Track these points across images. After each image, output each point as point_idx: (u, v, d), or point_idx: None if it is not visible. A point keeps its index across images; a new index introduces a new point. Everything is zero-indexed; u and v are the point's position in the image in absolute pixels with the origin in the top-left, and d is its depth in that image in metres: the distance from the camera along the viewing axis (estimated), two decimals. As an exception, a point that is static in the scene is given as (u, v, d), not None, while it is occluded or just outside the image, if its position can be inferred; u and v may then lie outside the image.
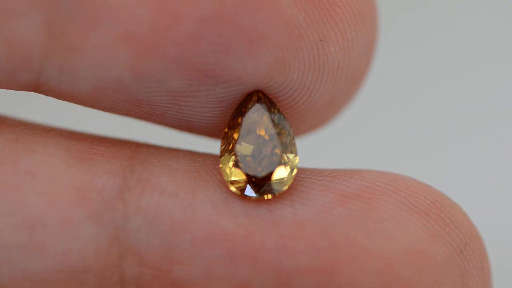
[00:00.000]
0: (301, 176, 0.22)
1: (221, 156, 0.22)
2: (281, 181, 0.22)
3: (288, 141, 0.22)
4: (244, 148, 0.22)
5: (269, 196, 0.22)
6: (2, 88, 0.21)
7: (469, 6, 0.51)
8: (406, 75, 0.50)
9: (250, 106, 0.22)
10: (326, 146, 0.44)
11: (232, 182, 0.22)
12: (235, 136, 0.22)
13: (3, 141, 0.22)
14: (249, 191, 0.22)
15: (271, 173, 0.22)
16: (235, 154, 0.22)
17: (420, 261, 0.21)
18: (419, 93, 0.49)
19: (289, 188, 0.22)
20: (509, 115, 0.48)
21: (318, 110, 0.22)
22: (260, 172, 0.22)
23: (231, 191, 0.22)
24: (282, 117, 0.22)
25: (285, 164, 0.22)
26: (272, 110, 0.22)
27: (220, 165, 0.22)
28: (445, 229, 0.22)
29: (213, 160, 0.23)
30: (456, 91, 0.49)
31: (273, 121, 0.22)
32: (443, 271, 0.21)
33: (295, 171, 0.22)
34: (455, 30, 0.51)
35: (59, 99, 0.21)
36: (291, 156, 0.22)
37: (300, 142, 0.23)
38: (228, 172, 0.22)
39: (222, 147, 0.22)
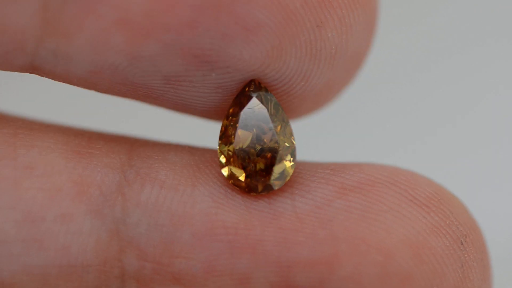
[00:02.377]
0: (301, 169, 0.22)
1: (219, 151, 0.22)
2: (280, 175, 0.22)
3: (285, 133, 0.22)
4: (242, 143, 0.22)
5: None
6: None
7: (470, 1, 0.51)
8: (407, 67, 0.50)
9: (246, 99, 0.21)
10: (325, 140, 0.44)
11: (231, 177, 0.22)
12: (233, 131, 0.22)
13: (2, 136, 0.22)
14: (249, 187, 0.22)
15: (270, 168, 0.22)
16: (233, 149, 0.22)
17: (420, 253, 0.21)
18: (420, 85, 0.49)
19: (289, 181, 0.22)
20: (509, 109, 0.48)
21: (316, 94, 0.22)
22: (259, 167, 0.22)
23: (230, 186, 0.22)
24: (279, 108, 0.22)
25: (283, 157, 0.22)
26: (269, 101, 0.22)
27: (219, 158, 0.22)
28: (445, 221, 0.22)
29: (212, 154, 0.23)
30: (458, 84, 0.49)
31: (270, 114, 0.22)
32: (443, 263, 0.21)
33: (293, 166, 0.22)
34: (456, 20, 0.51)
35: (55, 80, 0.21)
36: (289, 148, 0.22)
37: (300, 136, 0.23)
38: (226, 168, 0.22)
39: (220, 142, 0.22)
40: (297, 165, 0.22)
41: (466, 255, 0.22)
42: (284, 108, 0.22)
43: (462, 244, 0.22)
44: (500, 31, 0.51)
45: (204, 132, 0.26)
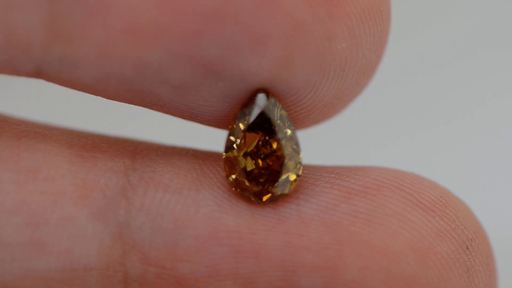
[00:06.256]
0: (306, 173, 0.22)
1: (224, 161, 0.22)
2: (284, 187, 0.21)
3: (292, 145, 0.21)
4: (247, 152, 0.21)
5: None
6: (4, 74, 0.21)
7: (477, 8, 0.51)
8: (413, 71, 0.49)
9: (253, 109, 0.21)
10: (330, 143, 0.44)
11: (236, 186, 0.21)
12: (238, 141, 0.21)
13: (5, 140, 0.22)
14: (253, 198, 0.21)
15: (274, 181, 0.21)
16: (238, 160, 0.21)
17: (426, 257, 0.21)
18: (425, 89, 0.49)
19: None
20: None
21: (324, 105, 0.22)
22: (263, 180, 0.21)
23: (234, 194, 0.22)
24: (287, 119, 0.21)
25: (288, 170, 0.21)
26: (276, 112, 0.21)
27: (224, 167, 0.22)
28: (451, 225, 0.21)
29: (216, 158, 0.23)
30: (464, 89, 0.49)
31: (277, 126, 0.21)
32: (448, 267, 0.21)
33: (299, 175, 0.22)
34: (465, 26, 0.51)
35: (61, 85, 0.21)
36: (295, 160, 0.22)
37: (304, 139, 0.23)
38: (231, 178, 0.21)
39: (226, 152, 0.22)
40: (302, 169, 0.22)
41: (471, 260, 0.22)
42: (292, 118, 0.22)
43: (467, 248, 0.22)
44: (499, 35, 0.51)
45: (208, 136, 0.26)
